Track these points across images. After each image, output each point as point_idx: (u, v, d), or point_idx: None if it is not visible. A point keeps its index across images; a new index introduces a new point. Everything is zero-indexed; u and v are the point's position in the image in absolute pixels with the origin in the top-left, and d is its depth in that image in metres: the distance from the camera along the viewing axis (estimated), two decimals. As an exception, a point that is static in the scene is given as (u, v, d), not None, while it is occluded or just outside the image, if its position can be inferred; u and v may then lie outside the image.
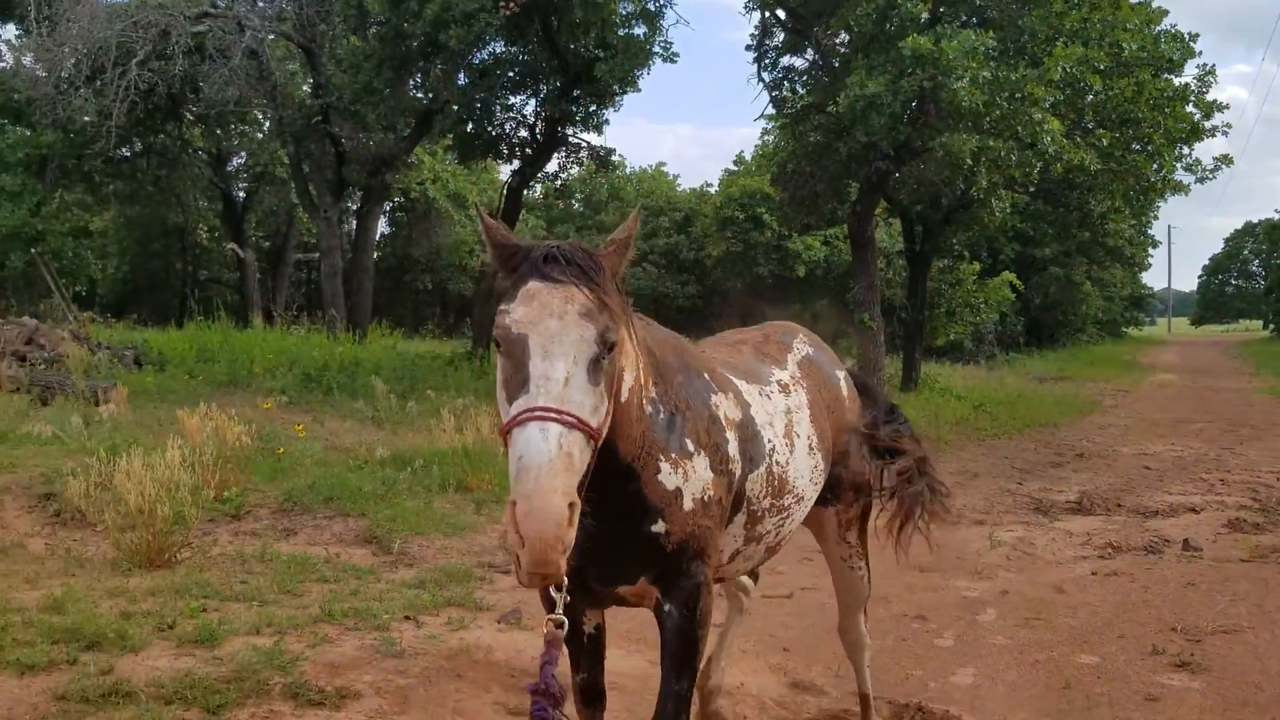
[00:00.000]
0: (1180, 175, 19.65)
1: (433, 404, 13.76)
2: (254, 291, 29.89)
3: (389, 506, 9.18)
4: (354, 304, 22.82)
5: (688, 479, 3.13)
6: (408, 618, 6.56)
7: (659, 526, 3.07)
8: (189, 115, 26.66)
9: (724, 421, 3.38)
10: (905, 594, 7.66)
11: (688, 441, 3.16)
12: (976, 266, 27.46)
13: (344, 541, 8.55)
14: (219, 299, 26.89)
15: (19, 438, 10.83)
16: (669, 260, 38.85)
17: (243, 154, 32.01)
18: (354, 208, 28.47)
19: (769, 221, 32.21)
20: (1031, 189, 20.59)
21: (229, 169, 32.07)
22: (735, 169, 40.18)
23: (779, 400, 3.88)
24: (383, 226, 32.53)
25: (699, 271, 38.61)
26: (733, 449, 3.38)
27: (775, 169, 22.34)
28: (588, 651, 3.64)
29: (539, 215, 40.36)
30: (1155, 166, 18.46)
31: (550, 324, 2.56)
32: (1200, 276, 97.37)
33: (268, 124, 26.96)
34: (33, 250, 21.81)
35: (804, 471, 3.88)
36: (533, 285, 2.63)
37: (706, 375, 3.48)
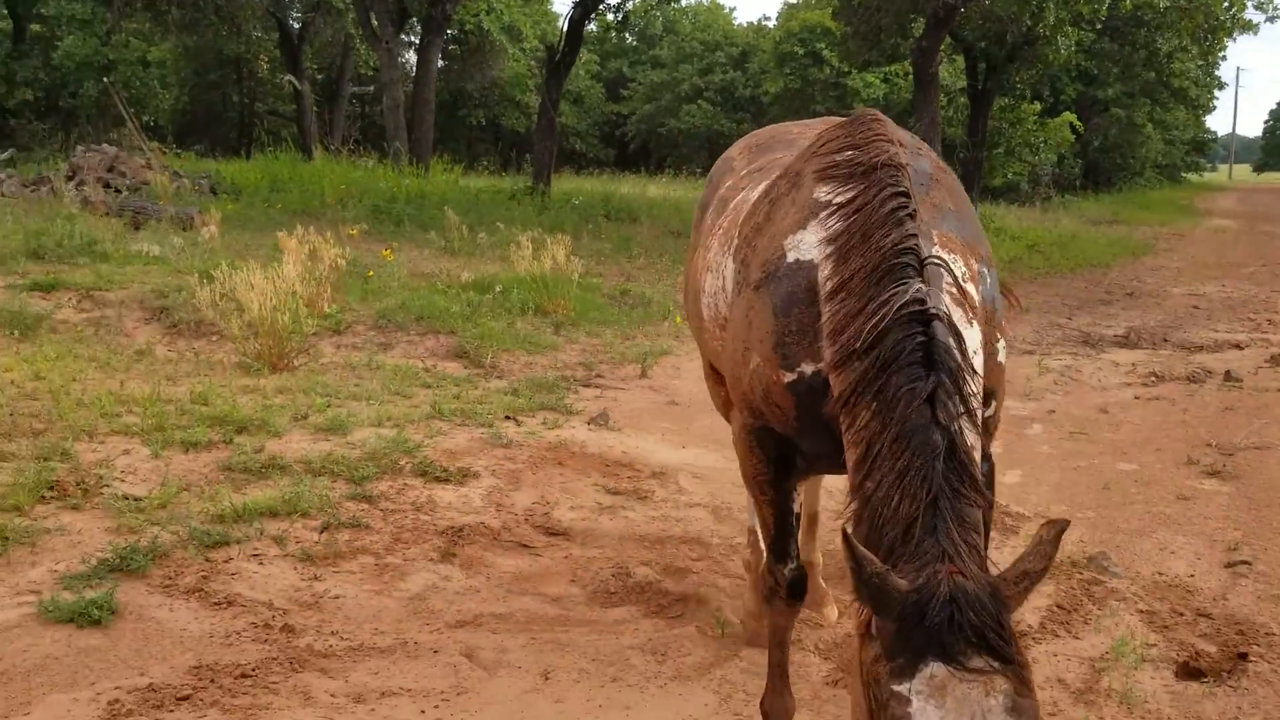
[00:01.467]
0: (1250, 14, 19.20)
1: (503, 235, 14.33)
2: (311, 124, 30.24)
3: (475, 325, 9.86)
4: (415, 138, 23.18)
5: None
6: (508, 417, 7.30)
7: None
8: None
9: None
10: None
11: None
12: (1038, 106, 27.14)
13: (436, 355, 9.28)
14: (278, 131, 27.32)
15: (124, 257, 11.58)
16: (724, 98, 38.57)
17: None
18: (410, 40, 28.42)
19: (829, 58, 31.79)
20: (1099, 25, 20.22)
21: (285, -1, 31.98)
22: (794, 2, 39.25)
23: None
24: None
25: (755, 109, 38.34)
26: None
27: (838, 1, 22.03)
28: (797, 535, 3.38)
29: (591, 49, 39.90)
30: (1225, 4, 18.04)
31: None
32: (1266, 122, 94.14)
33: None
34: (105, 79, 22.26)
35: None
36: (938, 672, 1.99)
37: None
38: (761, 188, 3.52)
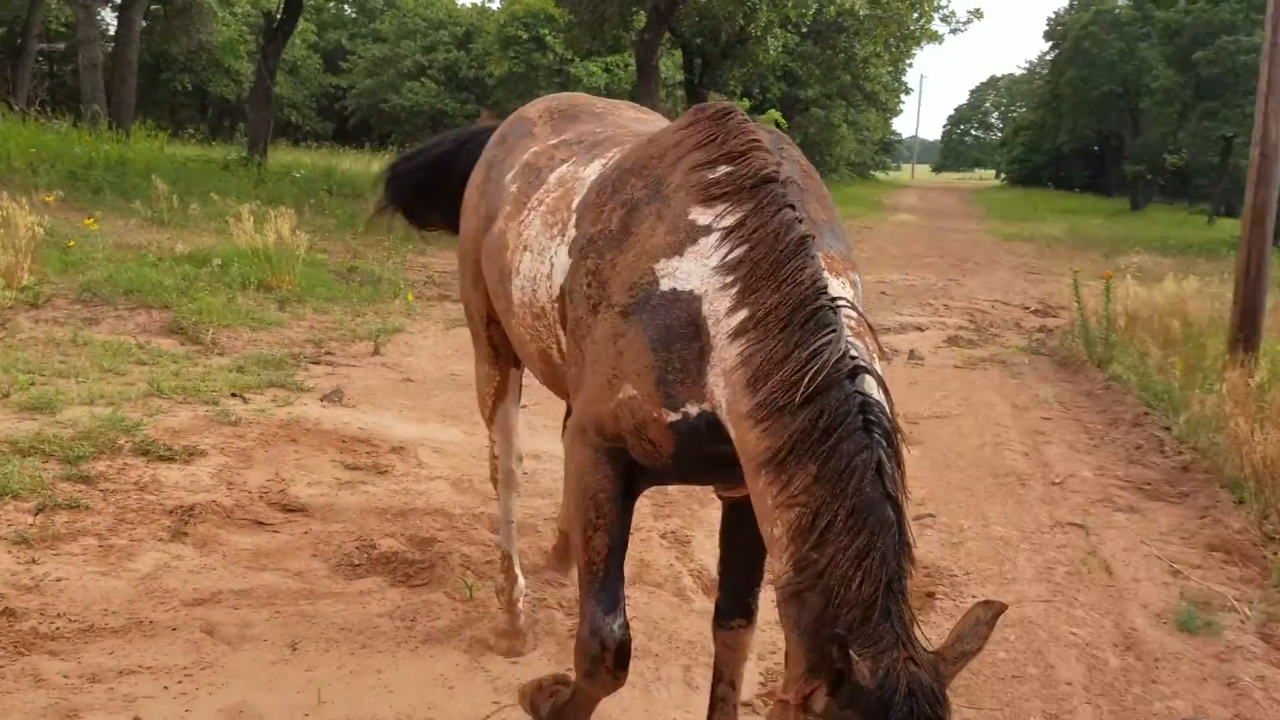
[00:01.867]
0: (936, 25, 21.27)
1: (217, 207, 13.62)
2: (-9, 81, 27.31)
3: (191, 300, 9.37)
4: (115, 102, 21.47)
5: None
6: (234, 394, 7.05)
7: None
8: None
9: None
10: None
11: None
12: (747, 103, 28.71)
13: (150, 331, 8.76)
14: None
15: None
16: (448, 77, 38.11)
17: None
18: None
19: (553, 44, 32.13)
20: (804, 29, 21.67)
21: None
22: (518, -15, 39.35)
23: None
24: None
25: (479, 90, 38.13)
26: None
27: (563, -10, 22.36)
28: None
29: (308, 18, 38.33)
30: (915, 15, 19.89)
31: None
32: (945, 126, 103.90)
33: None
34: None
35: None
36: None
37: None
38: (593, 171, 3.23)
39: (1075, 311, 11.48)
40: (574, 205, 3.16)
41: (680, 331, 2.59)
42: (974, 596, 4.98)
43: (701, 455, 2.64)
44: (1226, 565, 5.67)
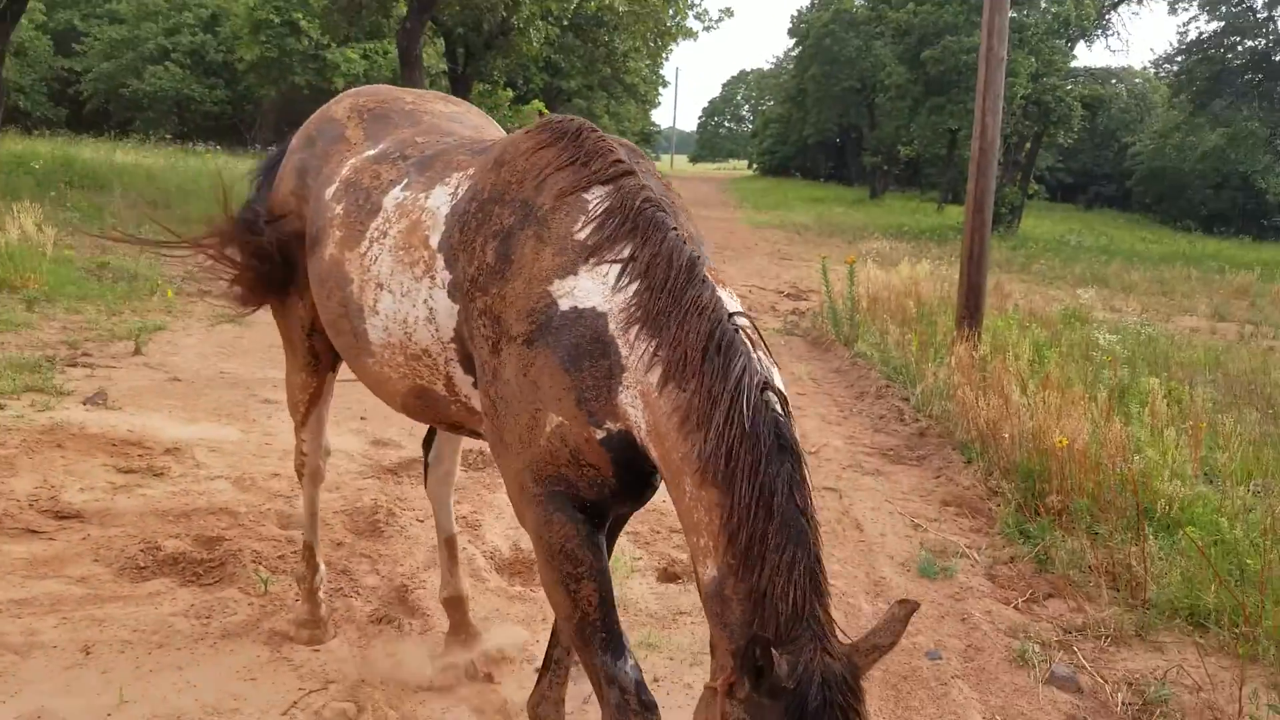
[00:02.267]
0: (691, 23, 22.17)
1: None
2: None
3: (-78, 303, 8.73)
4: None
5: None
6: (-14, 401, 6.67)
7: None
8: None
9: None
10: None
11: None
12: (510, 93, 28.83)
13: (-125, 337, 8.11)
14: None
15: None
16: (195, 61, 36.13)
17: None
18: None
19: (307, 28, 31.10)
20: (565, 22, 22.06)
21: None
22: (267, -33, 37.77)
23: None
24: None
25: (229, 75, 36.37)
26: None
27: (318, -26, 21.77)
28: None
29: (32, -6, 35.37)
30: (671, 12, 20.67)
31: None
32: (700, 118, 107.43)
33: None
34: None
35: None
36: None
37: None
38: (440, 201, 3.14)
39: (824, 295, 12.40)
40: (433, 244, 3.07)
41: (588, 349, 2.62)
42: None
43: (638, 470, 2.70)
44: (958, 518, 6.42)
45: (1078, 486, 6.12)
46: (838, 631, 2.34)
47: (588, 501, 2.76)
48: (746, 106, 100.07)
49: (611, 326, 2.62)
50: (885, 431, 8.30)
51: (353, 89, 4.16)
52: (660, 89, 53.38)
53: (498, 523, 5.64)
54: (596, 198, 2.78)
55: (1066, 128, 35.82)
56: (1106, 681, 4.47)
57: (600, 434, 2.64)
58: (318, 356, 4.00)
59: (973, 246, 11.04)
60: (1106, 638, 4.87)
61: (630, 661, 2.76)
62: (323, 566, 4.35)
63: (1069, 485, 6.16)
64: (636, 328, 2.57)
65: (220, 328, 10.24)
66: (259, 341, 9.83)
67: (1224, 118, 38.79)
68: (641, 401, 2.55)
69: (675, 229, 2.70)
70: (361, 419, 7.49)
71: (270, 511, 5.49)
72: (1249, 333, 16.12)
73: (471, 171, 3.14)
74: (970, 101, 36.68)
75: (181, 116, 37.37)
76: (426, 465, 4.34)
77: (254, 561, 4.84)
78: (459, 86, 23.33)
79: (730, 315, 2.54)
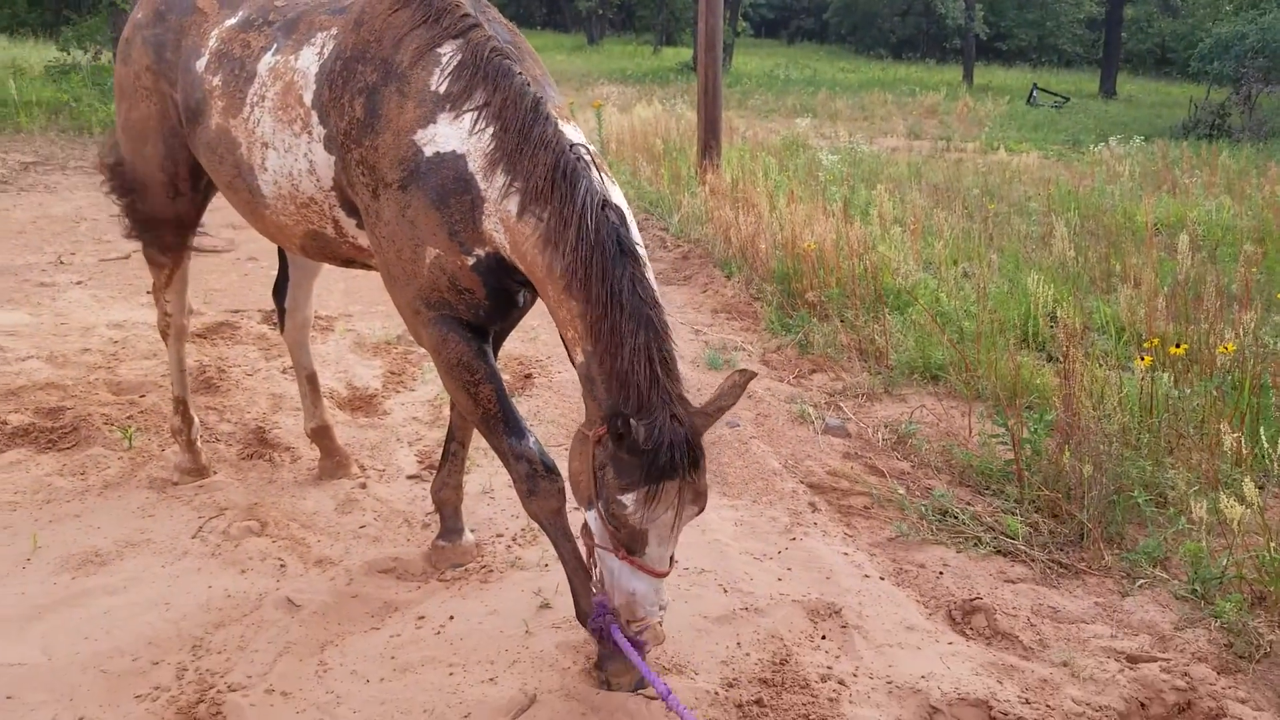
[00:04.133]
0: None
1: None
2: None
3: None
4: None
5: None
6: None
7: None
8: None
9: None
10: None
11: None
12: None
13: None
14: None
15: None
16: None
17: None
18: None
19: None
20: None
21: None
22: None
23: None
24: None
25: None
26: None
27: None
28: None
29: None
30: None
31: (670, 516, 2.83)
32: None
33: None
34: None
35: None
36: (657, 486, 2.76)
37: None
38: (308, 61, 3.43)
39: (574, 139, 12.93)
40: (306, 101, 3.40)
41: (453, 187, 3.03)
42: (559, 372, 6.14)
43: (505, 290, 3.17)
44: (730, 321, 7.36)
45: (827, 282, 7.17)
46: (685, 398, 2.87)
47: (467, 322, 3.20)
48: None
49: (470, 165, 3.02)
50: (652, 259, 9.07)
51: None
52: None
53: (324, 369, 6.02)
54: (448, 52, 3.13)
55: (768, -36, 37.14)
56: (868, 426, 5.54)
57: (471, 260, 3.07)
58: (182, 221, 4.26)
59: (707, 82, 11.88)
60: (863, 396, 5.95)
61: (531, 439, 3.25)
62: (196, 418, 4.66)
63: (819, 282, 7.20)
64: (492, 164, 2.99)
65: (-42, 218, 9.67)
66: (4, 230, 9.40)
67: (906, -52, 41.34)
68: (503, 226, 3.00)
69: (521, 74, 3.08)
70: (147, 294, 7.50)
71: (98, 382, 5.62)
72: (941, 147, 18.09)
73: (334, 31, 3.44)
74: (680, -58, 37.19)
75: None
76: (283, 311, 4.68)
77: (106, 424, 5.05)
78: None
79: (572, 145, 2.96)
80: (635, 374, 2.78)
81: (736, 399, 2.92)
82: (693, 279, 8.41)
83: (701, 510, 2.89)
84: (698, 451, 2.81)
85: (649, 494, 2.75)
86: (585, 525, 3.00)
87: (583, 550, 3.14)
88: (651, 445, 2.71)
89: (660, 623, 2.95)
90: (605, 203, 2.91)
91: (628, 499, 2.77)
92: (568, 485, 3.14)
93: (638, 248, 2.92)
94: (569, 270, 2.85)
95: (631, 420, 2.70)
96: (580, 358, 2.92)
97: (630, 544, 2.85)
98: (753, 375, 2.95)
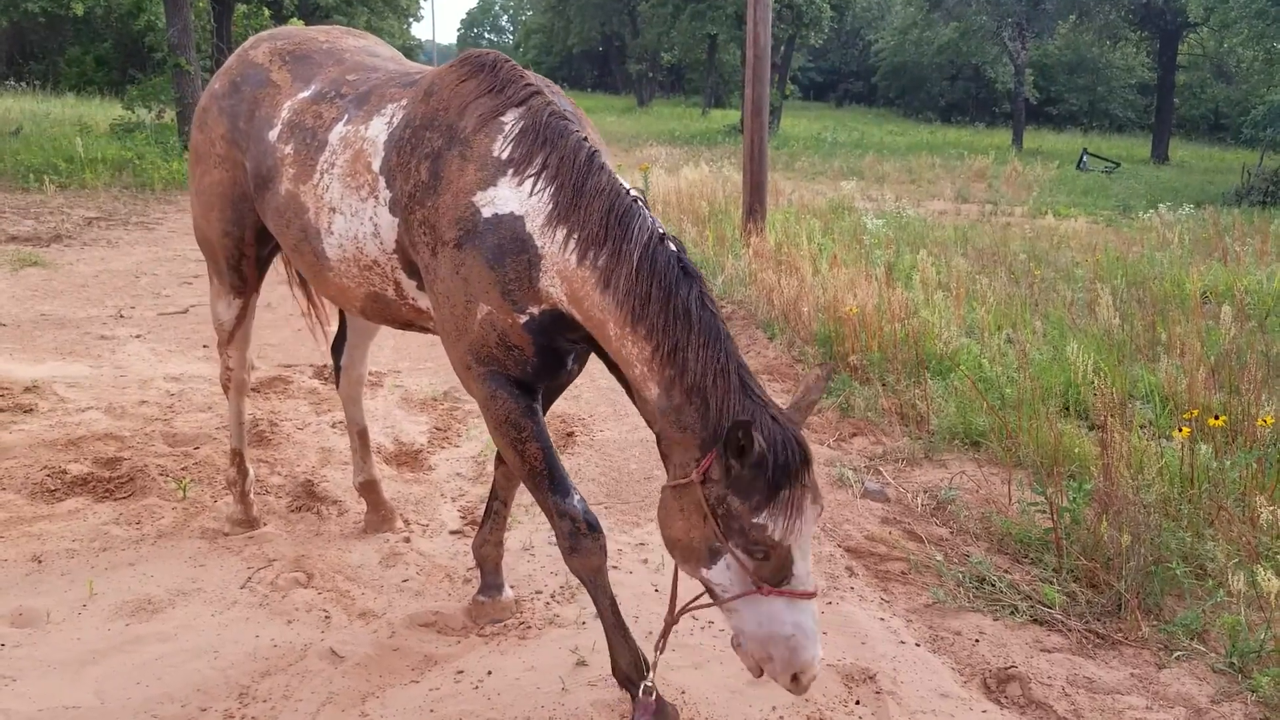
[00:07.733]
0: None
1: None
2: None
3: None
4: None
5: None
6: None
7: None
8: None
9: None
10: None
11: None
12: (268, 12, 27.73)
13: None
14: None
15: None
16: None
17: None
18: None
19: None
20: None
21: None
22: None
23: None
24: None
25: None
26: None
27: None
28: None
29: None
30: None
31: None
32: (459, 30, 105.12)
33: None
34: None
35: None
36: (790, 494, 2.69)
37: None
38: (378, 130, 3.57)
39: (621, 200, 13.14)
40: (374, 167, 3.52)
41: (509, 247, 3.11)
42: (601, 430, 6.23)
43: (554, 350, 3.26)
44: (771, 382, 7.40)
45: (868, 345, 7.22)
46: (773, 398, 2.85)
47: (516, 379, 3.27)
48: (506, 17, 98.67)
49: (529, 225, 3.11)
50: (696, 318, 9.20)
51: (263, 33, 4.46)
52: (421, 2, 52.17)
53: (373, 424, 6.17)
54: (511, 119, 3.27)
55: (817, 29, 37.76)
56: (907, 492, 5.56)
57: (524, 318, 3.15)
58: (244, 280, 4.42)
59: (753, 147, 12.08)
60: (903, 461, 5.97)
61: (576, 497, 3.28)
62: (251, 470, 4.81)
63: (861, 345, 7.25)
64: (550, 220, 3.07)
65: (25, 271, 10.04)
66: (68, 283, 9.74)
67: (955, 11, 41.70)
68: (560, 279, 3.07)
69: (577, 131, 3.21)
70: (204, 347, 7.75)
71: (154, 433, 5.81)
72: (988, 211, 18.12)
73: (404, 102, 3.59)
74: (728, 7, 38.04)
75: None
76: (339, 369, 4.83)
77: (161, 475, 5.21)
78: (224, 9, 22.46)
79: (626, 190, 3.09)
80: (723, 385, 2.77)
81: (821, 393, 2.96)
82: (735, 340, 8.48)
83: (822, 511, 2.82)
84: (807, 449, 2.75)
85: (784, 501, 2.66)
86: (713, 595, 2.88)
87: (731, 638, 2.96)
88: (769, 448, 2.66)
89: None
90: (663, 235, 3.00)
91: (763, 517, 2.68)
92: (667, 554, 3.11)
93: (699, 271, 2.99)
94: (626, 299, 2.90)
95: (750, 428, 2.62)
96: (653, 393, 2.90)
97: (777, 572, 2.74)
98: (834, 368, 3.07)
